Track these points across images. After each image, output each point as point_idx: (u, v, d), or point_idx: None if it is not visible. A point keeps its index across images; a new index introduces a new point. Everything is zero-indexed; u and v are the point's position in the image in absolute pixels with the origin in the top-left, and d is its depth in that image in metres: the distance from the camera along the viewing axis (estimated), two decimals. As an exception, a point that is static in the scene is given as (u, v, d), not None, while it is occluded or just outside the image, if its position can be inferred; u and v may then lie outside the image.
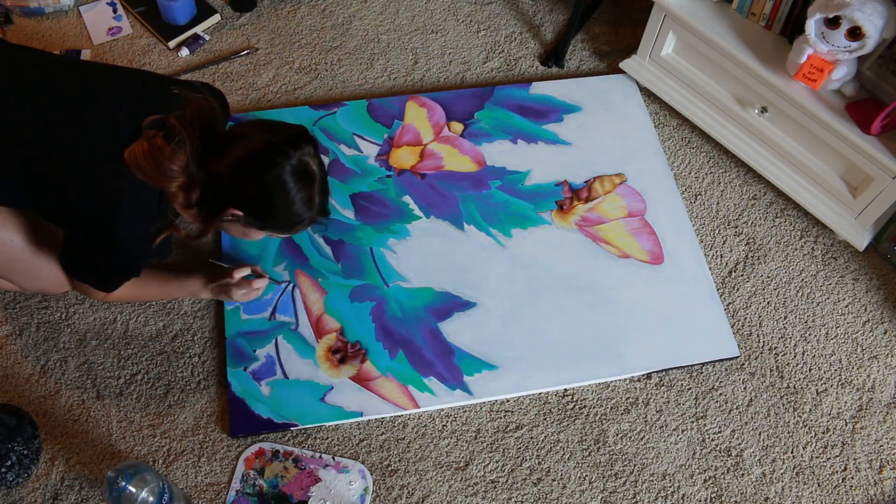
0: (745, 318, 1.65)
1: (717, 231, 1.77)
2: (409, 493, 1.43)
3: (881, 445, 1.52)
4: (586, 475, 1.47)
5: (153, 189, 1.24)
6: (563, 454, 1.49)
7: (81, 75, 1.31)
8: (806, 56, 1.58)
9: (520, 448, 1.49)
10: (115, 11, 2.04)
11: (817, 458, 1.51)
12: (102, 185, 1.23)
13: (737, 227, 1.78)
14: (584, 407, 1.54)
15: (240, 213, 1.27)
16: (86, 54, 1.95)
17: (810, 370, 1.60)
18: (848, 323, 1.66)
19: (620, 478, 1.47)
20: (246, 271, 1.55)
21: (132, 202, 1.25)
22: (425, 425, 1.50)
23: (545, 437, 1.50)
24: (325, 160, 1.79)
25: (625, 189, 1.80)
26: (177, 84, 1.32)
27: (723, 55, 1.73)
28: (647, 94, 1.97)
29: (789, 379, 1.59)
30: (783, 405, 1.56)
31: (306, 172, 1.26)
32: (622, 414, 1.53)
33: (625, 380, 1.57)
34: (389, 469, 1.45)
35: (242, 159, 1.23)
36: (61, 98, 1.25)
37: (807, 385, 1.58)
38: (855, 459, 1.51)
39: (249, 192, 1.24)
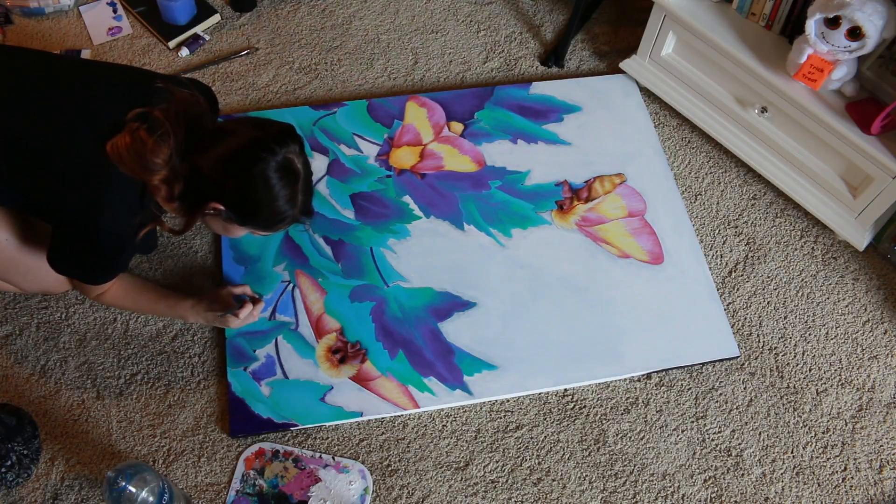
0: (745, 318, 1.65)
1: (717, 231, 1.77)
2: (409, 493, 1.43)
3: (881, 445, 1.52)
4: (586, 475, 1.47)
5: (136, 182, 1.24)
6: (563, 454, 1.49)
7: (66, 71, 1.31)
8: (806, 56, 1.58)
9: (520, 448, 1.49)
10: (115, 11, 2.04)
11: (817, 458, 1.51)
12: (85, 178, 1.23)
13: (737, 227, 1.78)
14: (584, 407, 1.54)
15: (221, 207, 1.26)
16: (86, 54, 1.95)
17: (810, 370, 1.60)
18: (848, 323, 1.66)
19: (620, 478, 1.47)
20: (235, 290, 1.52)
21: (115, 195, 1.25)
22: (425, 425, 1.50)
23: (545, 437, 1.50)
24: (325, 160, 1.79)
25: (625, 189, 1.80)
26: (163, 79, 1.32)
27: (723, 55, 1.73)
28: (647, 94, 1.97)
29: (789, 379, 1.59)
30: (783, 405, 1.56)
31: (290, 170, 1.26)
32: (622, 414, 1.53)
33: (625, 380, 1.57)
34: (389, 469, 1.45)
35: (227, 154, 1.23)
36: (45, 93, 1.26)
37: (807, 385, 1.58)
38: (855, 459, 1.51)
39: (232, 186, 1.24)
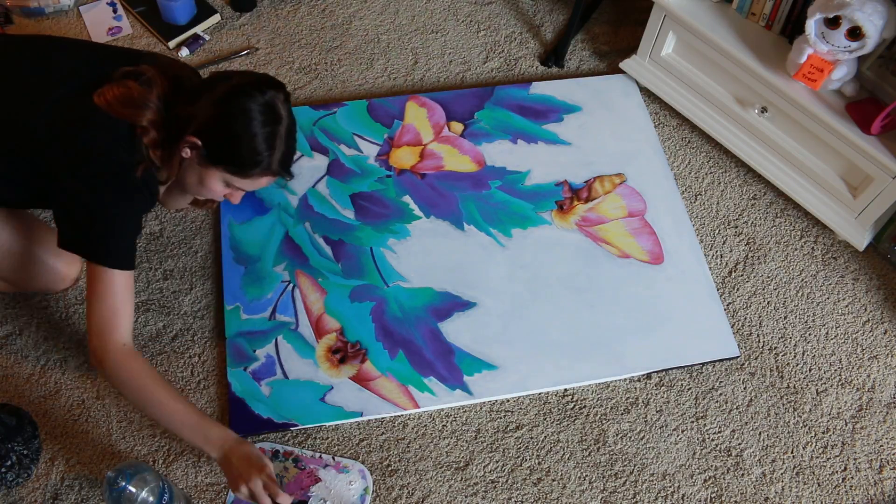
0: (745, 318, 1.65)
1: (717, 231, 1.77)
2: (409, 493, 1.44)
3: (881, 445, 1.52)
4: (586, 475, 1.47)
5: (123, 131, 1.24)
6: (563, 454, 1.49)
7: (52, 47, 1.34)
8: (806, 56, 1.58)
9: (520, 448, 1.49)
10: (115, 11, 2.04)
11: (817, 458, 1.51)
12: (73, 126, 1.24)
13: (737, 227, 1.78)
14: (584, 407, 1.54)
15: (198, 141, 1.26)
16: (86, 54, 1.95)
17: (810, 370, 1.60)
18: (848, 323, 1.66)
19: (620, 478, 1.47)
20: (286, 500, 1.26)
21: (103, 133, 1.24)
22: (425, 425, 1.50)
23: (545, 437, 1.50)
24: (325, 160, 1.79)
25: (625, 189, 1.80)
26: (148, 52, 1.38)
27: (723, 55, 1.73)
28: (647, 94, 1.97)
29: (789, 379, 1.59)
30: (783, 405, 1.56)
31: (273, 111, 1.27)
32: (622, 414, 1.53)
33: (625, 380, 1.57)
34: (389, 469, 1.45)
35: (216, 95, 1.26)
36: (33, 72, 1.28)
37: (807, 385, 1.58)
38: (855, 459, 1.51)
39: (214, 116, 1.25)
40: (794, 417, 1.54)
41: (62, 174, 1.25)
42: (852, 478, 1.49)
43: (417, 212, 1.73)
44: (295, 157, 1.76)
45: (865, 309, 1.68)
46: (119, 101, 1.23)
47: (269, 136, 1.27)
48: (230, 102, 1.25)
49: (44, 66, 1.29)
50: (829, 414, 1.55)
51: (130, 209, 1.29)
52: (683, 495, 1.46)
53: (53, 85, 1.26)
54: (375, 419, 1.50)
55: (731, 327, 1.63)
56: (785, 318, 1.66)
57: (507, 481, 1.45)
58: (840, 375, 1.60)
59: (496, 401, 1.53)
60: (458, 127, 1.87)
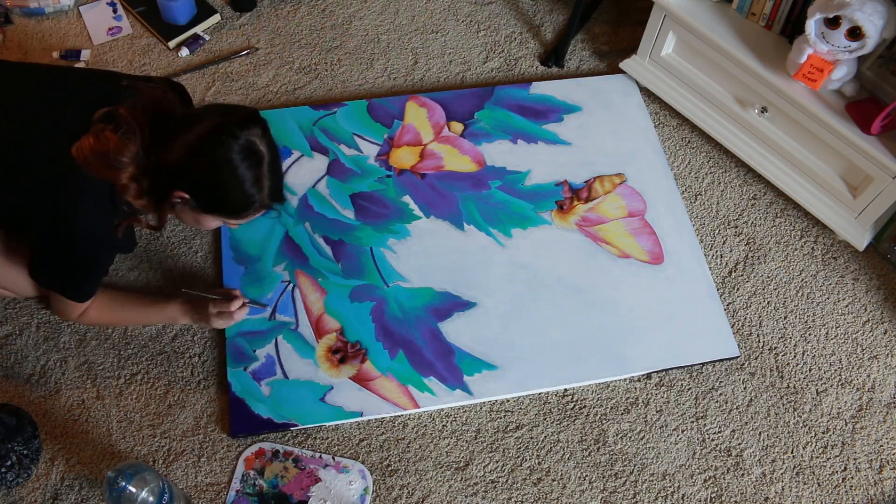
0: (745, 318, 1.65)
1: (717, 231, 1.77)
2: (409, 493, 1.43)
3: (881, 445, 1.52)
4: (586, 475, 1.47)
5: (105, 183, 1.24)
6: (563, 454, 1.49)
7: (32, 78, 1.32)
8: (806, 56, 1.58)
9: (520, 448, 1.49)
10: (115, 11, 2.04)
11: (817, 458, 1.51)
12: (53, 185, 1.23)
13: (737, 227, 1.78)
14: (584, 407, 1.54)
15: (186, 196, 1.25)
16: (86, 54, 1.95)
17: (810, 370, 1.60)
18: (848, 323, 1.66)
19: (620, 478, 1.47)
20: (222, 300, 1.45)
21: (86, 199, 1.24)
22: (425, 425, 1.50)
23: (545, 437, 1.50)
24: (325, 160, 1.79)
25: (625, 189, 1.80)
26: (130, 78, 1.33)
27: (723, 55, 1.73)
28: (647, 94, 1.97)
29: (789, 379, 1.59)
30: (783, 405, 1.56)
31: (253, 152, 1.24)
32: (622, 414, 1.53)
33: (625, 380, 1.57)
34: (389, 469, 1.45)
35: (191, 142, 1.22)
36: (12, 102, 1.26)
37: (807, 385, 1.58)
38: (855, 459, 1.51)
39: (197, 172, 1.23)
40: (794, 417, 1.54)
41: (41, 227, 1.27)
42: (852, 478, 1.49)
43: (417, 212, 1.73)
44: (295, 158, 1.77)
45: (865, 309, 1.68)
46: (96, 157, 1.20)
47: (255, 180, 1.26)
48: (209, 155, 1.22)
49: (21, 108, 1.27)
50: (829, 414, 1.55)
51: (103, 257, 1.35)
52: (683, 495, 1.46)
53: (33, 132, 1.24)
54: (375, 419, 1.50)
55: (731, 327, 1.63)
56: (785, 318, 1.66)
57: (507, 481, 1.45)
58: (840, 375, 1.60)
59: (496, 401, 1.53)
60: (458, 127, 1.87)
